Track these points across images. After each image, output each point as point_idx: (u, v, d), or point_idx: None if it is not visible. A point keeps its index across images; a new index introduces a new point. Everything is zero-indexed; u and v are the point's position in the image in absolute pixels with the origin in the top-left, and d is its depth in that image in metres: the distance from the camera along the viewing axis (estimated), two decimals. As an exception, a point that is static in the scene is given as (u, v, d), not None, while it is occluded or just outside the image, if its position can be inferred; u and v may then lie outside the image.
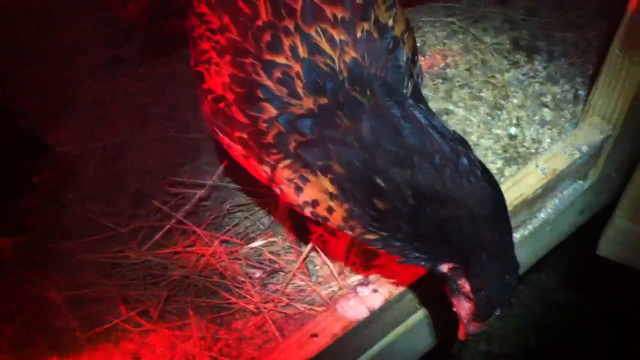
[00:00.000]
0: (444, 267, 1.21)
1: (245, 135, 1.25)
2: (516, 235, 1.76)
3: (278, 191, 1.30)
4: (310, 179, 1.21)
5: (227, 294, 1.65)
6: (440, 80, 2.12)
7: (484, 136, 1.96)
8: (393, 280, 1.51)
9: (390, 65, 1.23)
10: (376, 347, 1.61)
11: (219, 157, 1.90)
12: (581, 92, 2.08)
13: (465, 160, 1.14)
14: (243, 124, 1.24)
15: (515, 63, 2.19)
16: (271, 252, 1.72)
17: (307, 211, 1.27)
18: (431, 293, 1.57)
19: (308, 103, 1.18)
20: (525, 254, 1.84)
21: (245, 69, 1.21)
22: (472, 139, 1.95)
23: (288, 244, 1.74)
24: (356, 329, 1.46)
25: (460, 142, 1.17)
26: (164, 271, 1.68)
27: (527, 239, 1.78)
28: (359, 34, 1.21)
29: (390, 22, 1.27)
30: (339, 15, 1.21)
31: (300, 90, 1.18)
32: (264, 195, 1.81)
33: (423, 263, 1.22)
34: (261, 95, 1.20)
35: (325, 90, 1.18)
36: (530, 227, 1.78)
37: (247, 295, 1.64)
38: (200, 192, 1.79)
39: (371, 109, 1.16)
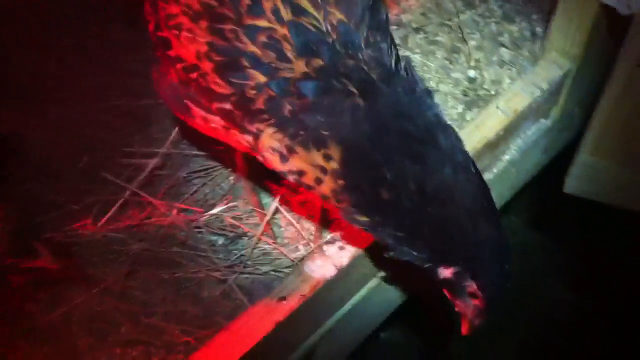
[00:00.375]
0: (446, 272, 1.18)
1: (227, 106, 1.18)
2: (482, 180, 1.73)
3: (261, 159, 1.25)
4: (297, 150, 1.16)
5: (191, 264, 1.60)
6: (394, 27, 2.05)
7: (443, 81, 1.91)
8: (360, 236, 1.47)
9: (373, 25, 1.19)
10: (349, 304, 1.58)
11: (171, 124, 1.82)
12: (539, 29, 2.04)
13: (460, 156, 1.14)
14: (223, 94, 1.17)
15: (470, 4, 2.13)
16: (233, 217, 1.66)
17: (291, 178, 1.22)
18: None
19: (300, 66, 1.12)
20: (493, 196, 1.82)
21: (225, 36, 1.13)
22: (431, 84, 1.90)
23: (250, 207, 1.69)
24: (325, 288, 1.42)
25: (452, 134, 1.16)
26: (123, 246, 1.62)
27: (493, 182, 1.76)
28: None
29: None
30: None
31: (289, 54, 1.12)
32: (221, 159, 1.75)
33: (420, 263, 1.19)
34: (246, 63, 1.13)
35: (318, 53, 1.12)
36: (495, 169, 1.75)
37: (211, 264, 1.59)
38: (154, 161, 1.71)
39: (377, 87, 1.13)
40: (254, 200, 1.68)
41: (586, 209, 1.86)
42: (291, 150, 1.16)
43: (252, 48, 1.13)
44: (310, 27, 1.13)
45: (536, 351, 2.11)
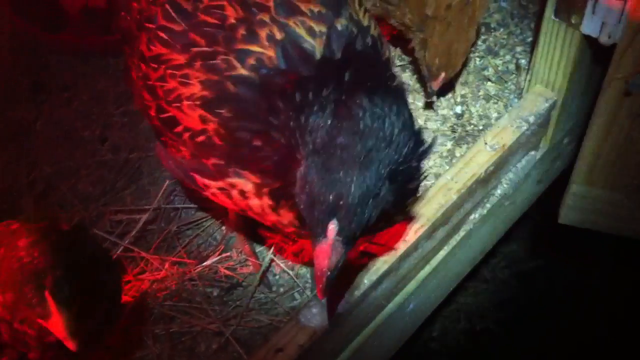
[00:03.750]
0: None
1: (220, 161, 1.16)
2: (475, 215, 1.72)
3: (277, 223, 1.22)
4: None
5: (186, 317, 1.58)
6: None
7: (431, 119, 1.92)
8: (355, 281, 1.46)
9: (373, 63, 1.19)
10: (347, 351, 1.55)
11: (162, 176, 1.82)
12: (523, 62, 2.05)
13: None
14: (216, 144, 1.15)
15: (454, 39, 2.14)
16: (227, 268, 1.65)
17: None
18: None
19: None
20: (487, 231, 1.81)
21: (216, 68, 1.13)
22: (419, 122, 1.90)
23: (244, 256, 1.67)
24: (322, 337, 1.40)
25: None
26: (117, 302, 1.60)
27: (486, 216, 1.75)
28: (339, 28, 1.17)
29: (366, 21, 1.24)
30: (316, 10, 1.16)
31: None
32: (212, 209, 1.74)
33: None
34: (231, 88, 1.11)
35: (298, 68, 1.10)
36: (488, 205, 1.74)
37: (206, 316, 1.57)
38: (145, 216, 1.70)
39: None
40: (247, 249, 1.67)
41: (583, 236, 1.85)
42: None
43: (241, 71, 1.12)
44: (296, 46, 1.12)
45: (517, 323, 2.11)
